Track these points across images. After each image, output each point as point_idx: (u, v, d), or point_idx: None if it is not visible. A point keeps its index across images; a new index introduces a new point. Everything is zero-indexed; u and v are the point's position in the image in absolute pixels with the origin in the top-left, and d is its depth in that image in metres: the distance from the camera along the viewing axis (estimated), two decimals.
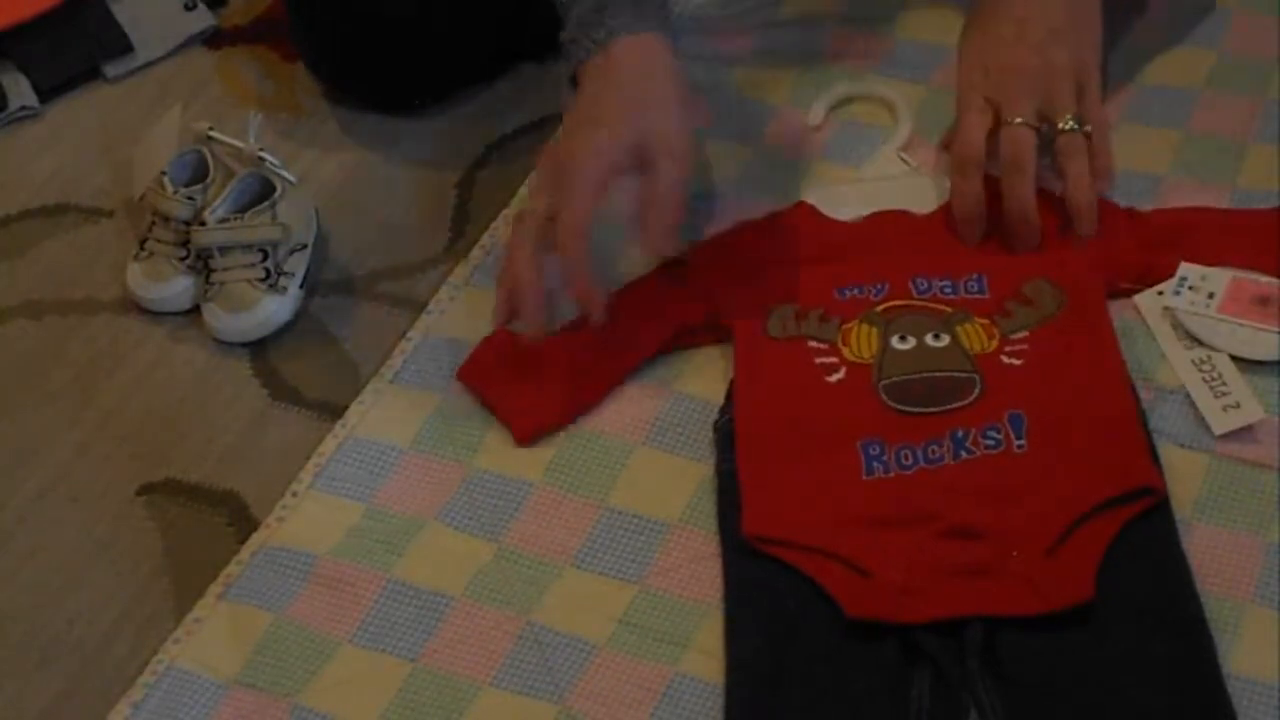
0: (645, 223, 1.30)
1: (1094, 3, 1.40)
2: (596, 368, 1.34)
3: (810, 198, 1.43)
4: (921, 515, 1.19)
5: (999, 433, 1.24)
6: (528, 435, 1.32)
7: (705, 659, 1.18)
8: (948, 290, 1.34)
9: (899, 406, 1.27)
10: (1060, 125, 1.36)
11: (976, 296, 1.34)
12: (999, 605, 1.14)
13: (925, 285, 1.35)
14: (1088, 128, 1.36)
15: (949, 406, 1.26)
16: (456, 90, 1.64)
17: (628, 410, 1.33)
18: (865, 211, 1.42)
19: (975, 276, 1.35)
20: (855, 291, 1.35)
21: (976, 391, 1.27)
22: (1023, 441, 1.23)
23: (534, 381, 1.34)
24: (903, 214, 1.41)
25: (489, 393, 1.35)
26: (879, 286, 1.35)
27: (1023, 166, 1.35)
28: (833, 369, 1.30)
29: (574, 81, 1.38)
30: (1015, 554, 1.16)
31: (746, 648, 1.17)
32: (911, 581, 1.16)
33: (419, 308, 1.46)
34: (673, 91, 1.33)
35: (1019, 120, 1.35)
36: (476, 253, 1.49)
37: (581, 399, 1.34)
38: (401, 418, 1.36)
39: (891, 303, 1.34)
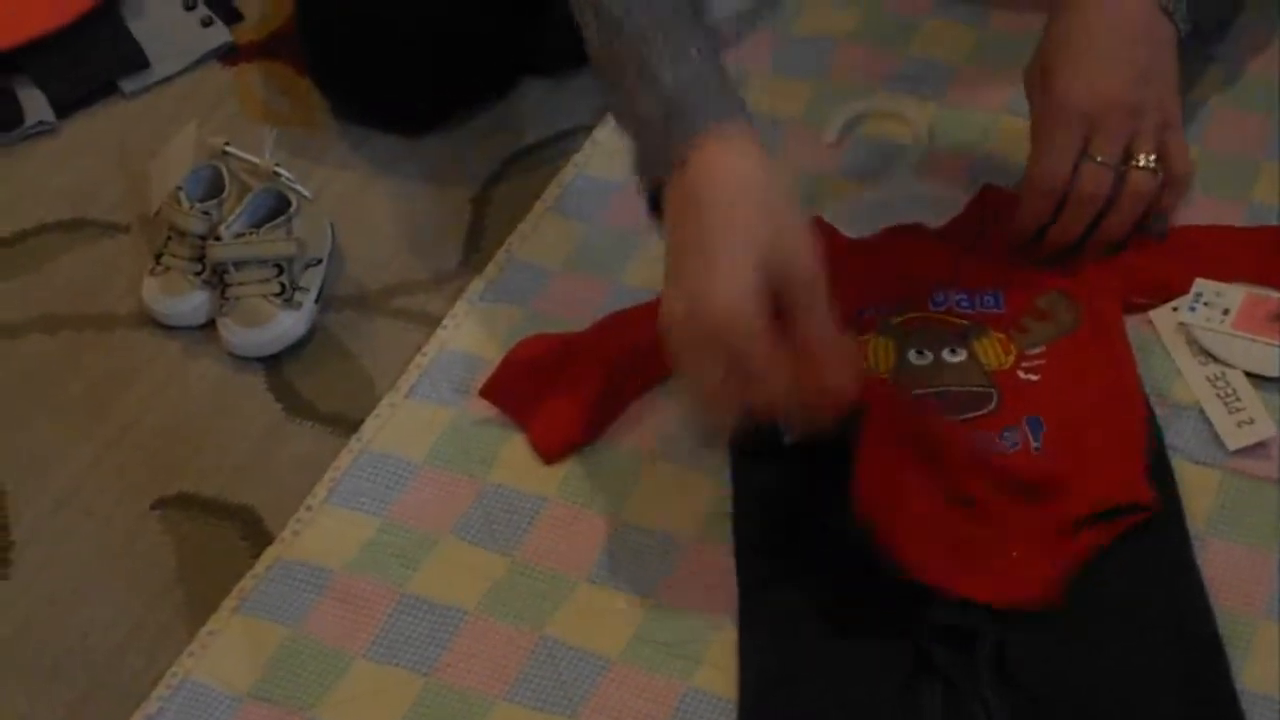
0: (809, 381, 1.14)
1: (1171, 50, 1.37)
2: (619, 383, 1.34)
3: (826, 214, 1.43)
4: (936, 471, 1.19)
5: (1016, 433, 1.24)
6: (555, 452, 1.32)
7: (718, 674, 1.18)
8: (964, 304, 1.34)
9: None
10: (1138, 161, 1.33)
11: (992, 311, 1.34)
12: (981, 593, 1.13)
13: (942, 298, 1.35)
14: (1161, 174, 1.34)
15: (966, 416, 1.26)
16: (470, 107, 1.64)
17: (642, 424, 1.33)
18: (881, 227, 1.41)
19: (991, 291, 1.35)
20: (873, 312, 1.35)
21: (993, 405, 1.27)
22: (1039, 445, 1.23)
23: (559, 399, 1.33)
24: (919, 228, 1.41)
25: (514, 411, 1.35)
26: (898, 306, 1.35)
27: (1092, 205, 1.33)
28: None
29: (654, 203, 1.21)
30: (1015, 554, 1.16)
31: (756, 649, 1.17)
32: (916, 533, 1.15)
33: (434, 323, 1.45)
34: (789, 208, 1.16)
35: (1102, 158, 1.32)
36: (491, 268, 1.49)
37: (606, 415, 1.34)
38: (416, 432, 1.36)
39: (908, 315, 1.34)
